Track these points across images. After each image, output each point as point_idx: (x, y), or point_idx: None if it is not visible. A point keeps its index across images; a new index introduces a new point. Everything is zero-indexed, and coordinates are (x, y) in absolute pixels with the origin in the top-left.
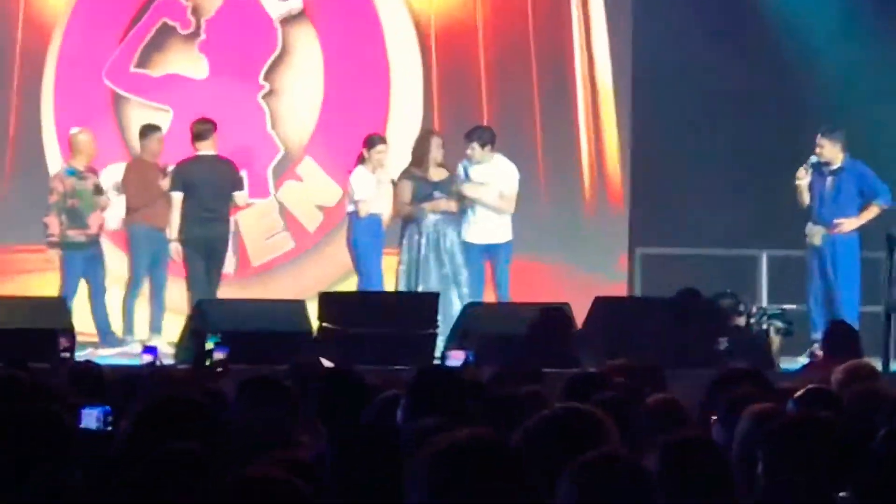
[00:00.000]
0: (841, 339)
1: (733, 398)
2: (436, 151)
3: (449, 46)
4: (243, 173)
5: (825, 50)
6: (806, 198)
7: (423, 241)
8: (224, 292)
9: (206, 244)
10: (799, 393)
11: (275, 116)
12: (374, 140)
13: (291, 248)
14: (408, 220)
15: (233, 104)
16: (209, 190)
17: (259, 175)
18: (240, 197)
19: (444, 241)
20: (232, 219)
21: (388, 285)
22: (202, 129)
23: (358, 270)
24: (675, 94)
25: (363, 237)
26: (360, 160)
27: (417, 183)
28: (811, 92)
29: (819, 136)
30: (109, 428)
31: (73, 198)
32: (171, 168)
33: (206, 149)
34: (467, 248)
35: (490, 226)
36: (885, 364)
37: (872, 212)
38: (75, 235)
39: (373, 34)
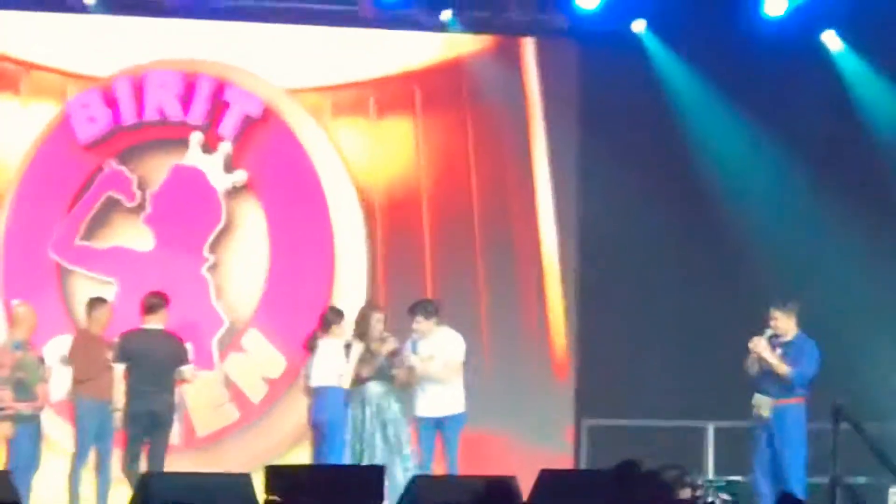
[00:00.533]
0: None
1: None
2: (376, 325)
3: (393, 218)
4: (189, 346)
5: (768, 220)
6: (754, 365)
7: (368, 412)
8: (170, 462)
9: (148, 417)
10: None
11: (219, 288)
12: (338, 312)
13: (237, 419)
14: (352, 392)
15: (177, 276)
16: (152, 363)
17: (204, 347)
18: (187, 371)
19: (388, 413)
20: (177, 389)
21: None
22: (152, 302)
23: (325, 444)
24: (622, 264)
25: (336, 410)
26: (316, 336)
27: (364, 356)
28: (758, 262)
29: (772, 308)
30: None
31: (20, 371)
32: (115, 340)
33: (154, 322)
34: (419, 421)
35: (443, 398)
36: None
37: (780, 366)
38: (25, 408)
39: (317, 206)
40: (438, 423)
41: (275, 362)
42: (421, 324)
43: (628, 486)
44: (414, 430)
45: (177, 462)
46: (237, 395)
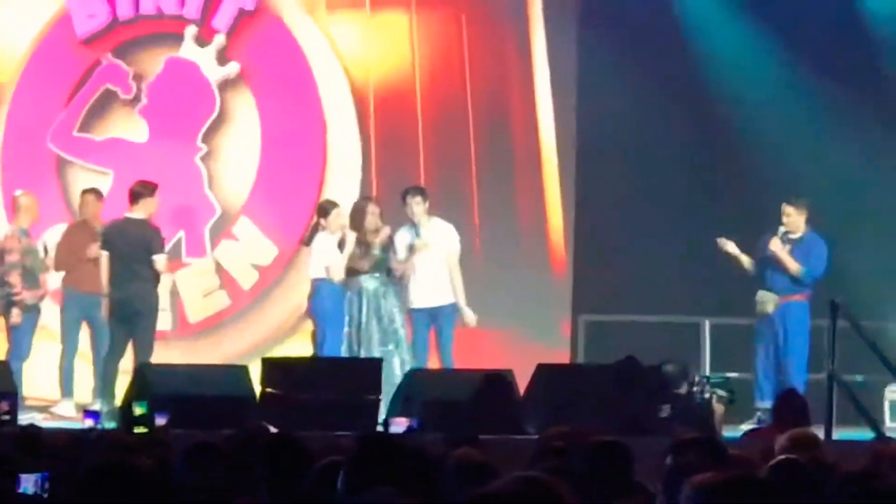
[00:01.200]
0: (790, 408)
1: (681, 466)
2: (372, 218)
3: (387, 111)
4: (181, 234)
5: (772, 119)
6: (747, 262)
7: (364, 306)
8: (163, 349)
9: (124, 304)
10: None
11: (212, 177)
12: (328, 206)
13: (227, 307)
14: (348, 286)
15: (171, 166)
16: (125, 252)
17: (197, 234)
18: (158, 261)
19: (385, 305)
20: (170, 277)
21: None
22: (135, 191)
23: (321, 335)
24: (620, 159)
25: (330, 303)
26: (315, 228)
27: (359, 249)
28: (756, 159)
29: (785, 204)
30: (46, 494)
31: (27, 257)
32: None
33: (137, 211)
34: (412, 313)
35: (435, 289)
36: (828, 432)
37: (792, 264)
38: (30, 297)
39: (310, 98)
40: (432, 315)
41: (265, 250)
42: (420, 206)
43: (628, 381)
44: (408, 321)
45: (170, 349)
46: (228, 282)
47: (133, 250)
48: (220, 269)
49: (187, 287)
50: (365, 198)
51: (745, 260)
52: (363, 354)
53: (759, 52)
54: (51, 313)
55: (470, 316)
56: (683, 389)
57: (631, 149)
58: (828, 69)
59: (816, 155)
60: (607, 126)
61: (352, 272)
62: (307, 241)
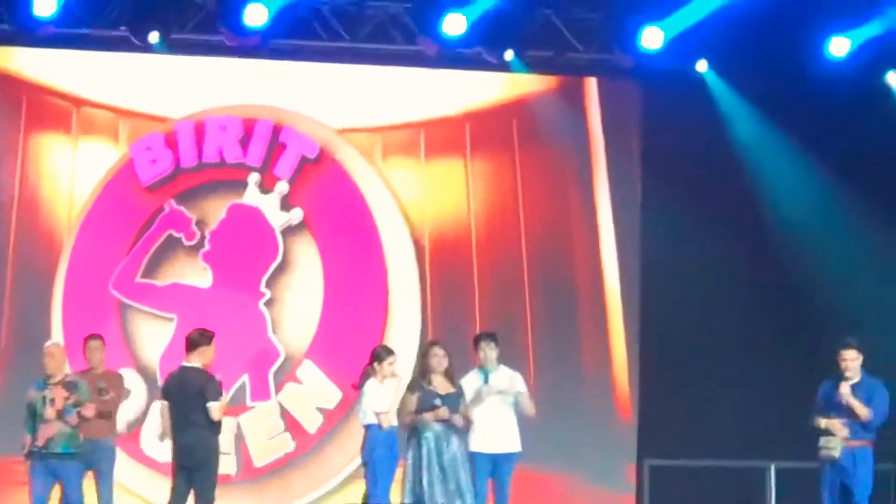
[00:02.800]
0: None
1: None
2: (438, 362)
3: (443, 257)
4: (245, 378)
5: (833, 261)
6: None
7: (425, 451)
8: (228, 492)
9: (183, 452)
10: None
11: (276, 322)
12: (382, 352)
13: (293, 450)
14: (412, 431)
15: (235, 311)
16: (181, 399)
17: (261, 378)
18: (212, 408)
19: (446, 454)
20: (234, 421)
21: (394, 498)
22: (193, 339)
23: (374, 484)
24: (684, 301)
25: (382, 450)
26: (367, 373)
27: (423, 394)
28: (822, 301)
29: (847, 348)
30: None
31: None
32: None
33: (193, 360)
34: (474, 457)
35: (499, 435)
36: None
37: (862, 409)
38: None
39: (371, 244)
40: (494, 461)
41: (330, 393)
42: (494, 350)
43: None
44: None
45: (233, 493)
46: (293, 425)
47: (188, 398)
48: (284, 412)
49: (252, 430)
50: (432, 341)
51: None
52: (426, 502)
53: (819, 186)
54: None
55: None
56: None
57: (696, 289)
58: (889, 204)
59: (877, 291)
60: (672, 267)
61: (415, 420)
62: (359, 386)
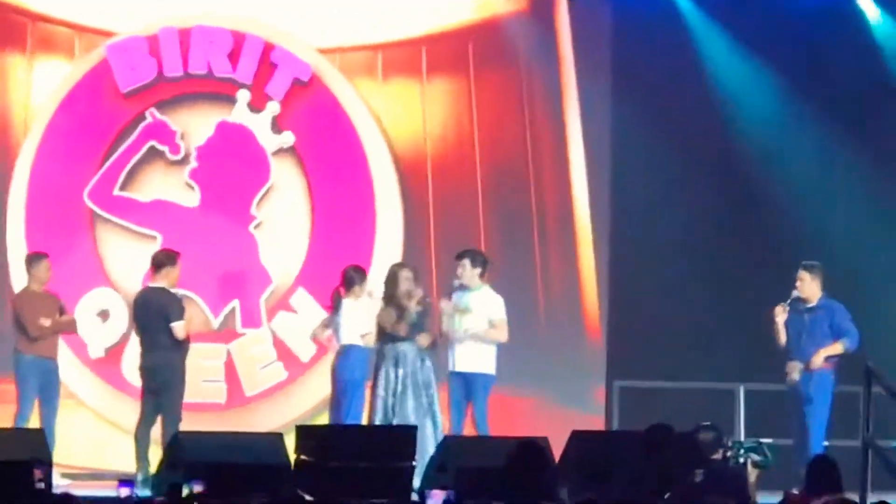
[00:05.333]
0: (822, 474)
1: None
2: (405, 284)
3: (434, 181)
4: (235, 304)
5: (805, 183)
6: (783, 336)
7: (401, 372)
8: (215, 421)
9: (149, 374)
10: None
11: (265, 248)
12: (356, 274)
13: (285, 379)
14: (384, 351)
15: (224, 234)
16: (146, 321)
17: (252, 305)
18: (176, 328)
19: (421, 374)
20: (224, 348)
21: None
22: (159, 260)
23: (346, 402)
24: (654, 226)
25: (360, 370)
26: (337, 295)
27: (397, 313)
28: (791, 226)
29: (801, 269)
30: None
31: None
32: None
33: (158, 281)
34: (449, 376)
35: (472, 355)
36: (863, 499)
37: (836, 349)
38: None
39: (359, 170)
40: (467, 381)
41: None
42: (466, 269)
43: (659, 450)
44: (444, 385)
45: (223, 421)
46: (285, 354)
47: (152, 319)
48: (276, 340)
49: (242, 358)
50: (397, 264)
51: (782, 335)
52: (397, 421)
53: (790, 111)
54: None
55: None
56: (718, 455)
57: (665, 214)
58: (861, 129)
59: (850, 214)
60: (641, 192)
61: (388, 338)
62: (335, 309)
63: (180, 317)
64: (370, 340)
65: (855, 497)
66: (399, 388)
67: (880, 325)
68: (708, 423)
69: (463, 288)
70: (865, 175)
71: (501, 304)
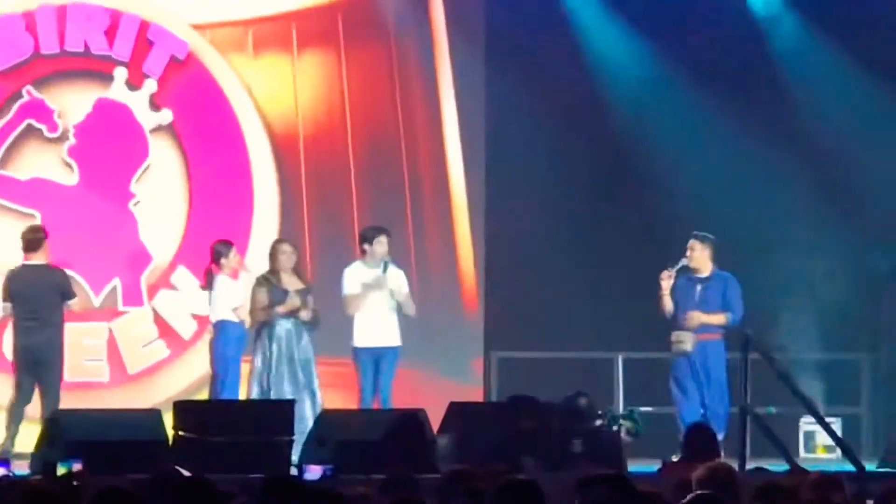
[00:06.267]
0: (699, 441)
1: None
2: (287, 259)
3: (308, 154)
4: (116, 282)
5: (680, 150)
6: (668, 303)
7: (275, 347)
8: (97, 399)
9: (31, 352)
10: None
11: (144, 225)
12: (223, 248)
13: (167, 356)
14: (261, 327)
15: (104, 211)
16: (32, 298)
17: (133, 283)
18: (74, 304)
19: (297, 351)
20: (106, 326)
21: (241, 392)
22: (31, 238)
23: (221, 377)
24: (530, 197)
25: (234, 346)
26: (210, 271)
27: (272, 289)
28: (667, 194)
29: (692, 239)
30: None
31: None
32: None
33: (36, 258)
34: (357, 352)
35: (382, 330)
36: (742, 465)
37: (718, 319)
38: None
39: (236, 147)
40: (376, 355)
41: (203, 299)
42: (384, 246)
43: (521, 419)
44: (352, 360)
45: (106, 400)
46: (167, 332)
47: (41, 296)
48: (157, 318)
49: (124, 336)
50: (279, 239)
51: (668, 303)
52: (273, 395)
53: (663, 75)
54: None
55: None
56: (597, 423)
57: (541, 184)
58: (732, 88)
59: (724, 180)
60: (517, 163)
61: (264, 314)
62: (208, 286)
63: (73, 293)
64: (243, 314)
65: (734, 463)
66: (275, 363)
67: (756, 294)
68: (581, 391)
69: (383, 262)
70: (738, 140)
71: (405, 279)
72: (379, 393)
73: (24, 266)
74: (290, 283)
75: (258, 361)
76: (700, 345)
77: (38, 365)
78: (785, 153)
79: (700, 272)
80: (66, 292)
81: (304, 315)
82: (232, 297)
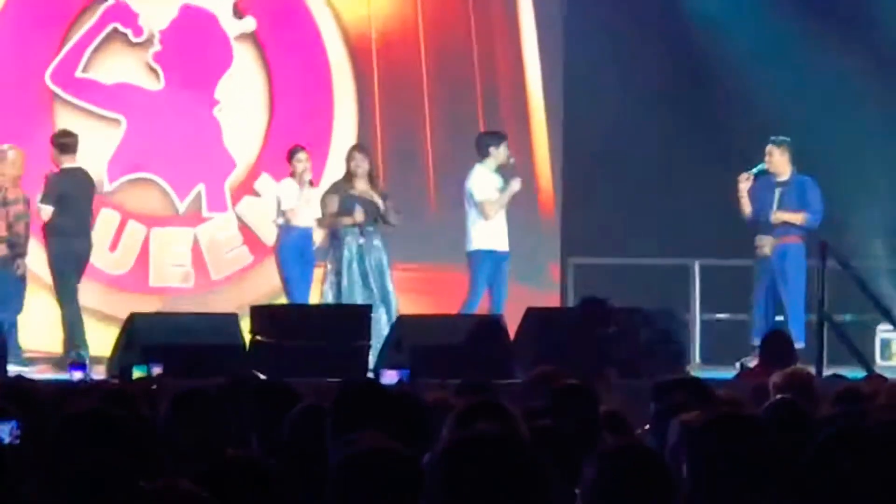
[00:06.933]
0: (777, 347)
1: (667, 407)
2: (356, 165)
3: (388, 62)
4: (201, 187)
5: (761, 55)
6: (747, 206)
7: (346, 253)
8: (183, 304)
9: (80, 258)
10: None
11: (227, 132)
12: (293, 151)
13: (250, 262)
14: (333, 233)
15: (188, 117)
16: (84, 204)
17: (217, 189)
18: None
19: (370, 259)
20: (191, 232)
21: (315, 299)
22: (66, 141)
23: (285, 281)
24: (608, 101)
25: (289, 250)
26: (290, 174)
27: (344, 197)
28: (746, 98)
29: (770, 145)
30: (17, 441)
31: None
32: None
33: (72, 162)
34: (479, 255)
35: (503, 235)
36: (819, 371)
37: (796, 218)
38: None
39: (316, 53)
40: (496, 259)
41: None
42: (505, 152)
43: (595, 322)
44: (470, 264)
45: (189, 305)
46: (250, 239)
47: (87, 201)
48: (241, 224)
49: (209, 242)
50: (354, 145)
51: (746, 205)
52: (345, 302)
53: None
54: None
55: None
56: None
57: (618, 92)
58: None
59: (799, 89)
60: (592, 67)
61: (342, 222)
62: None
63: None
64: (293, 216)
65: (810, 370)
66: (346, 270)
67: (839, 201)
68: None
69: (498, 167)
70: (816, 53)
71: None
72: (493, 297)
73: (70, 170)
74: (363, 190)
75: (330, 269)
76: (780, 248)
77: (82, 267)
78: (863, 66)
79: (779, 176)
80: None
81: (393, 219)
82: (284, 200)
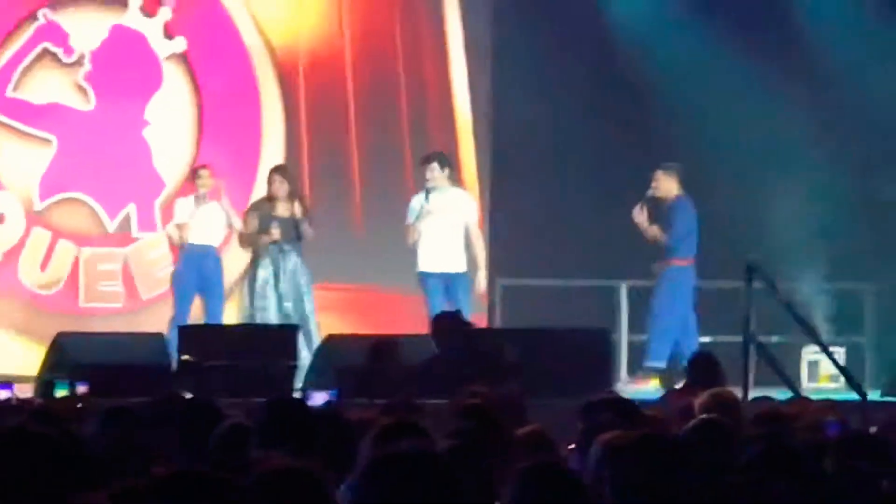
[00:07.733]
0: (704, 368)
1: (593, 426)
2: (276, 187)
3: (315, 84)
4: (132, 207)
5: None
6: (652, 232)
7: (261, 275)
8: (111, 324)
9: None
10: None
11: (157, 152)
12: (196, 170)
13: None
14: (253, 256)
15: (119, 137)
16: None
17: (147, 209)
18: None
19: (286, 281)
20: (122, 252)
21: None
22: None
23: (211, 299)
24: (536, 123)
25: (180, 266)
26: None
27: (261, 216)
28: (675, 117)
29: (658, 171)
30: None
31: None
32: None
33: None
34: (423, 276)
35: (447, 255)
36: (745, 393)
37: (654, 231)
38: None
39: (244, 74)
40: (445, 280)
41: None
42: (434, 172)
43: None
44: (420, 285)
45: (118, 324)
46: None
47: None
48: (172, 245)
49: (139, 263)
50: (275, 167)
51: (652, 231)
52: (259, 320)
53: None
54: None
55: (481, 282)
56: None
57: (547, 113)
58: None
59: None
60: (520, 89)
61: (260, 241)
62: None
63: None
64: (183, 232)
65: (737, 392)
66: (260, 289)
67: (765, 220)
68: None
69: (427, 189)
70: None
71: (471, 203)
72: None
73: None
74: (284, 210)
75: (246, 288)
76: (664, 271)
77: None
78: (787, 79)
79: (666, 199)
80: None
81: (307, 234)
82: (177, 215)
